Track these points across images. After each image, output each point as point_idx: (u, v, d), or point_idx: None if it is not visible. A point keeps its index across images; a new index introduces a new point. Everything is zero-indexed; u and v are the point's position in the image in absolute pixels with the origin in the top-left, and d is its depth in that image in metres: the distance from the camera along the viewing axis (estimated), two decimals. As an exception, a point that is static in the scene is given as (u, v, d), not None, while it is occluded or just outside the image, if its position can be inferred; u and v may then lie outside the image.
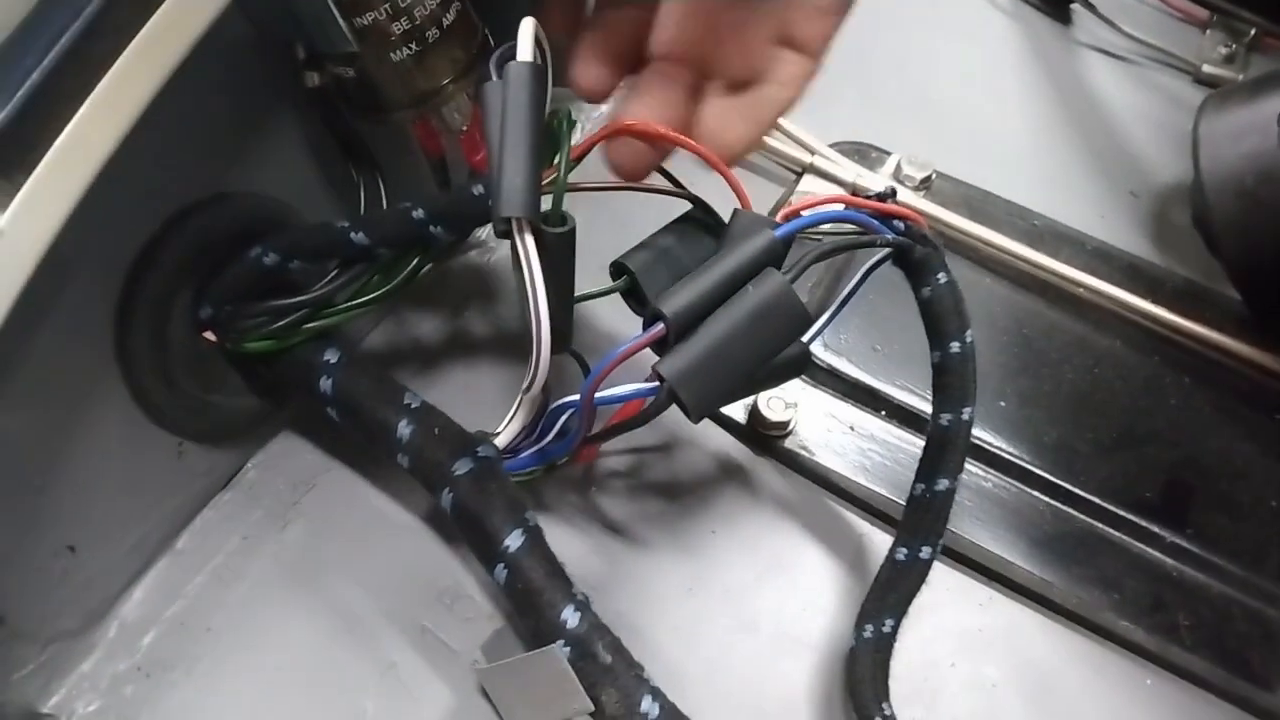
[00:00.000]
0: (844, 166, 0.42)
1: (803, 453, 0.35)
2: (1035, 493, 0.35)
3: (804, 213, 0.29)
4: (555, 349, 0.28)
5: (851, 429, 0.36)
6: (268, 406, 0.32)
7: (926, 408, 0.35)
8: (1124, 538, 0.34)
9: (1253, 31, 0.52)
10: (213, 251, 0.29)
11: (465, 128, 0.31)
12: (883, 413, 0.36)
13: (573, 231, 0.26)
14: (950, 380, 0.30)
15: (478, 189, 0.27)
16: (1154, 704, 0.31)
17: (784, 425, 0.35)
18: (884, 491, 0.34)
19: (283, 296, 0.30)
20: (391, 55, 0.27)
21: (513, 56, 0.25)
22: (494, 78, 0.26)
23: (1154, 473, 0.36)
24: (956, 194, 0.43)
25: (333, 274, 0.29)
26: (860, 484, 0.34)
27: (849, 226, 0.30)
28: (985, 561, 0.33)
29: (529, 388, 0.27)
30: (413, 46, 0.27)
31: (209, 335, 0.30)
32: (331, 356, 0.30)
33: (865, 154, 0.44)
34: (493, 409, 0.31)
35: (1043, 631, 0.32)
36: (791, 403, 0.35)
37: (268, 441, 0.33)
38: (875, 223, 0.30)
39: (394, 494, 0.32)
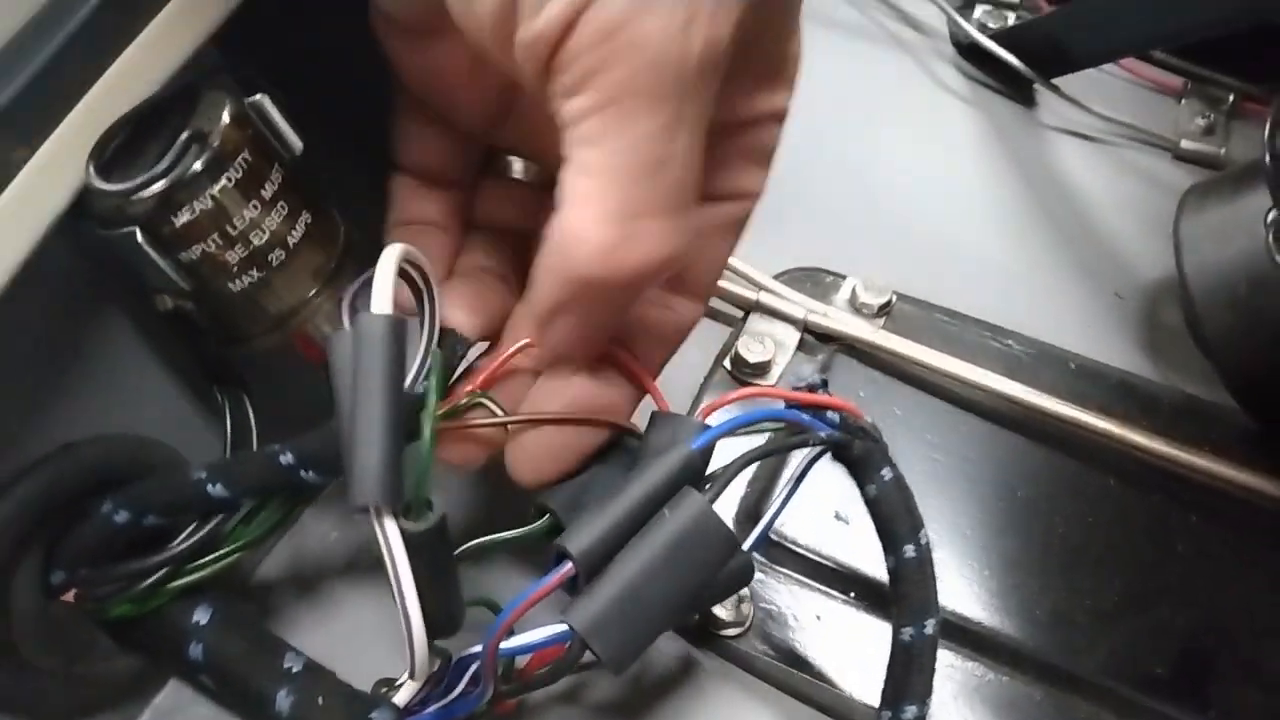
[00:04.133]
0: (794, 301, 0.39)
1: (761, 654, 0.31)
2: (1030, 680, 0.31)
3: (726, 415, 0.26)
4: (441, 634, 0.24)
5: (818, 619, 0.31)
6: (148, 662, 0.29)
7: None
8: (1138, 728, 0.30)
9: (1231, 97, 0.49)
10: (60, 510, 0.25)
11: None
12: (852, 594, 0.32)
13: (441, 523, 0.22)
14: (908, 589, 0.26)
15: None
16: None
17: (739, 622, 0.31)
18: (861, 697, 0.30)
19: (146, 552, 0.26)
20: (230, 285, 0.24)
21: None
22: (346, 322, 0.23)
23: (1166, 641, 0.31)
24: (921, 319, 0.39)
25: (192, 528, 0.26)
26: (830, 689, 0.30)
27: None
28: (977, 773, 0.29)
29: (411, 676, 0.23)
30: (254, 274, 0.24)
31: (68, 598, 0.27)
32: (202, 616, 0.26)
33: (818, 280, 0.40)
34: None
35: None
36: (744, 595, 0.31)
37: (153, 697, 0.29)
38: (805, 418, 0.26)
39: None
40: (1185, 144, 0.47)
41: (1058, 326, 0.40)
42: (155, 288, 0.24)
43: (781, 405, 0.27)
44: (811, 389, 0.27)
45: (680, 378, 0.35)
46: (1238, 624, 0.32)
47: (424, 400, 0.23)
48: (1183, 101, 0.49)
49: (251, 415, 0.28)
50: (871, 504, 0.27)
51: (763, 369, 0.37)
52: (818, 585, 0.32)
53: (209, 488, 0.25)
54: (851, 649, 0.31)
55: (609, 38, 0.19)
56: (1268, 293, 0.34)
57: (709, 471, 0.25)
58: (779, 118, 0.25)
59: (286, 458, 0.25)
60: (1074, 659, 0.31)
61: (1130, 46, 0.46)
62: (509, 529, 0.26)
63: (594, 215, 0.21)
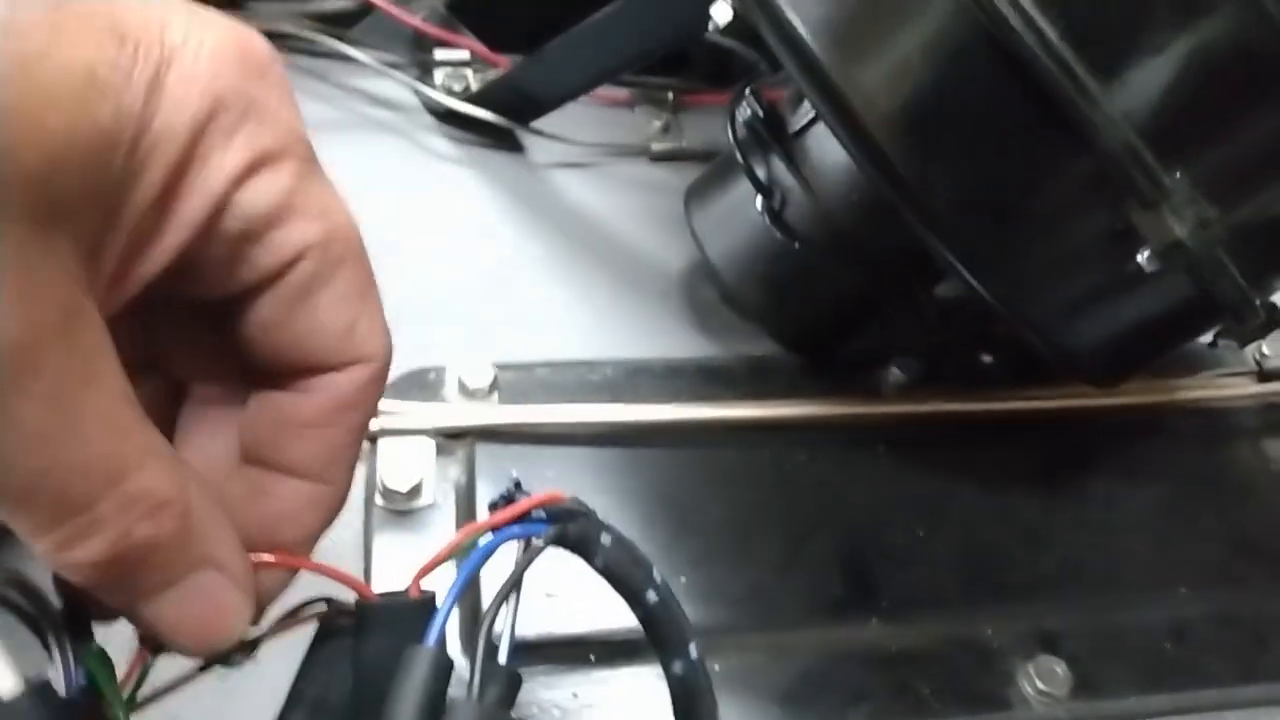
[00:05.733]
0: (411, 412, 0.39)
1: (545, 752, 0.32)
2: (754, 652, 0.35)
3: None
4: None
5: (575, 696, 0.33)
6: None
7: (630, 625, 0.34)
8: (842, 644, 0.36)
9: (670, 95, 0.57)
10: None
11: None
12: (592, 657, 0.34)
13: None
14: (663, 630, 0.28)
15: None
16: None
17: (512, 735, 0.32)
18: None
19: None
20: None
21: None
22: None
23: (829, 565, 0.38)
24: (527, 381, 0.42)
25: None
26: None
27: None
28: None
29: None
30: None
31: None
32: None
33: (423, 382, 0.41)
34: None
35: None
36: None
37: None
38: (518, 530, 0.28)
39: None
40: (655, 146, 0.54)
41: (632, 340, 0.45)
42: None
43: (489, 536, 0.28)
44: (509, 499, 0.28)
45: (342, 535, 0.34)
46: (865, 526, 0.39)
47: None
48: (635, 110, 0.56)
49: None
50: (604, 573, 0.28)
51: (417, 491, 0.37)
52: (560, 666, 0.34)
53: None
54: (621, 703, 0.33)
55: None
56: (780, 263, 0.41)
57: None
58: (250, 173, 0.19)
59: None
60: (776, 617, 0.36)
61: (582, 86, 0.51)
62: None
63: (17, 530, 0.18)
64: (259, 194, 0.19)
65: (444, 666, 0.22)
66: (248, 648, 0.24)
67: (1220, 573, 0.40)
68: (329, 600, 0.25)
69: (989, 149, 0.34)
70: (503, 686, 0.26)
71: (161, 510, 0.19)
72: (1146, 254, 0.32)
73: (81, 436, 0.18)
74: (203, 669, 0.23)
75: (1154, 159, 0.31)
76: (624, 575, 0.29)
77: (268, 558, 0.23)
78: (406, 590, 0.25)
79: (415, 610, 0.24)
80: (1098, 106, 0.30)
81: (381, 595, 0.25)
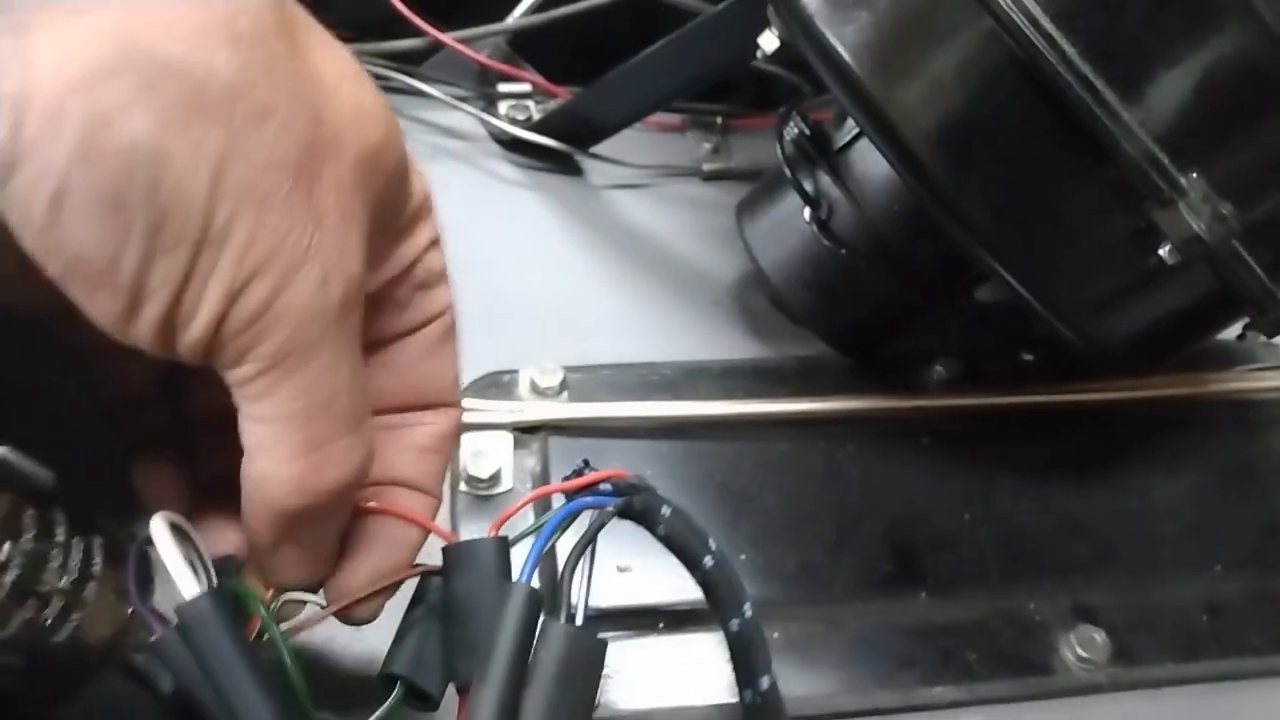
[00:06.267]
0: (490, 409, 0.43)
1: (623, 714, 0.35)
2: (809, 622, 0.38)
3: (523, 521, 0.30)
4: None
5: (645, 659, 0.36)
6: None
7: (693, 597, 0.37)
8: (891, 616, 0.39)
9: (718, 119, 0.60)
10: None
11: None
12: (661, 625, 0.37)
13: None
14: (720, 593, 0.32)
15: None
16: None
17: (589, 695, 0.35)
18: (715, 700, 0.35)
19: None
20: (55, 638, 0.23)
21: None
22: (155, 627, 0.24)
23: (878, 546, 0.41)
24: (593, 382, 0.45)
25: None
26: (688, 708, 0.35)
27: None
28: (810, 711, 0.36)
29: None
30: (75, 617, 0.24)
31: None
32: None
33: (499, 382, 0.45)
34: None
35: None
36: (584, 671, 0.35)
37: None
38: (590, 500, 0.31)
39: None
40: (705, 166, 0.58)
41: (689, 346, 0.49)
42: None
43: (563, 500, 0.31)
44: (579, 474, 0.32)
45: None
46: (911, 511, 0.42)
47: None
48: (686, 134, 0.60)
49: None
50: (666, 541, 0.31)
51: (496, 478, 0.41)
52: (631, 633, 0.37)
53: None
54: (683, 669, 0.36)
55: (256, 320, 0.21)
56: (826, 269, 0.44)
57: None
58: (435, 243, 0.28)
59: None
60: (829, 591, 0.39)
61: (637, 114, 0.55)
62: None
63: (281, 456, 0.23)
64: (435, 261, 0.28)
65: (536, 600, 0.27)
66: (372, 606, 0.28)
67: (1255, 554, 0.42)
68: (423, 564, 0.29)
69: (1019, 159, 0.37)
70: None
71: (370, 454, 0.24)
72: (1167, 248, 0.35)
73: (363, 370, 0.24)
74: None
75: (1170, 162, 0.34)
76: (684, 543, 0.32)
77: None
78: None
79: (492, 548, 0.28)
80: (1116, 117, 0.33)
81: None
